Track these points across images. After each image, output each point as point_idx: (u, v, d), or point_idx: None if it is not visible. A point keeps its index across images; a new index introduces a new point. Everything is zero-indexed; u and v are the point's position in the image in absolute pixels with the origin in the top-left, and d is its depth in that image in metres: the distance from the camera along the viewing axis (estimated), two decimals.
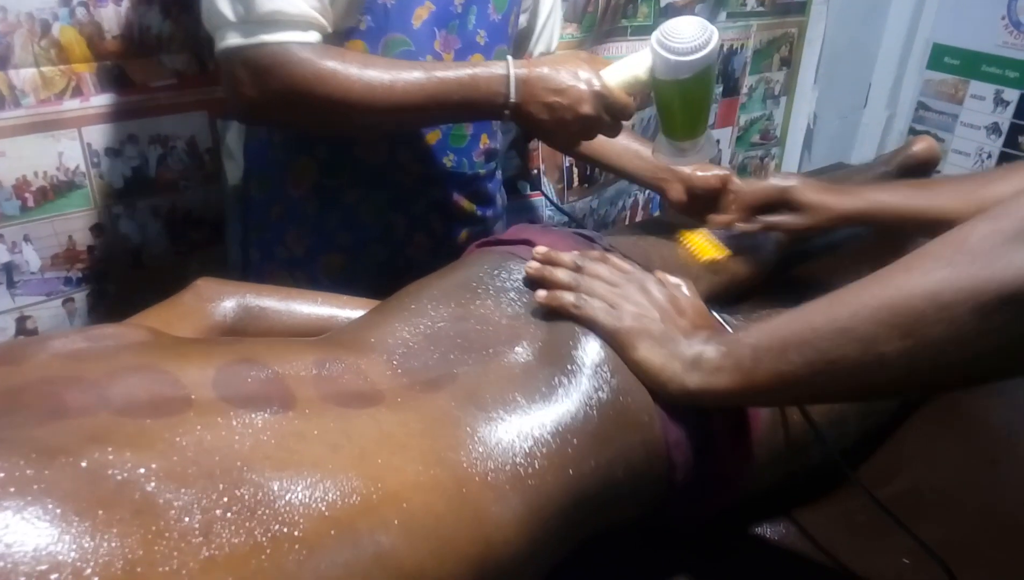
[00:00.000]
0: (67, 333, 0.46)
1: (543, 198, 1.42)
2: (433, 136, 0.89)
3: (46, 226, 0.98)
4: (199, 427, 0.38)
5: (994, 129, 2.00)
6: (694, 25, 0.69)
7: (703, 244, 0.92)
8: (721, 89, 1.75)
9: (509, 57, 0.76)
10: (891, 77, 2.14)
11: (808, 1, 1.81)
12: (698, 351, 0.52)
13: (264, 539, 0.34)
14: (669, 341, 0.54)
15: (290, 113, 0.75)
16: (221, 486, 0.35)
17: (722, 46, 1.68)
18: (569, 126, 0.76)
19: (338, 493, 0.38)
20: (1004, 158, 1.95)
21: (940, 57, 2.06)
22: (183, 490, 0.34)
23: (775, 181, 0.87)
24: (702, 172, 0.93)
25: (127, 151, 1.01)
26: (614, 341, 0.54)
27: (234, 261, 1.02)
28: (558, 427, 0.49)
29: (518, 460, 0.46)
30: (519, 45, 0.99)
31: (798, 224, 0.85)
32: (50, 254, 1.00)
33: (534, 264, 0.60)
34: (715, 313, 0.62)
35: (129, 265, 1.06)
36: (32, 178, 0.95)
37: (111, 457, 0.34)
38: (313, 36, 0.72)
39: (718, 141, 1.83)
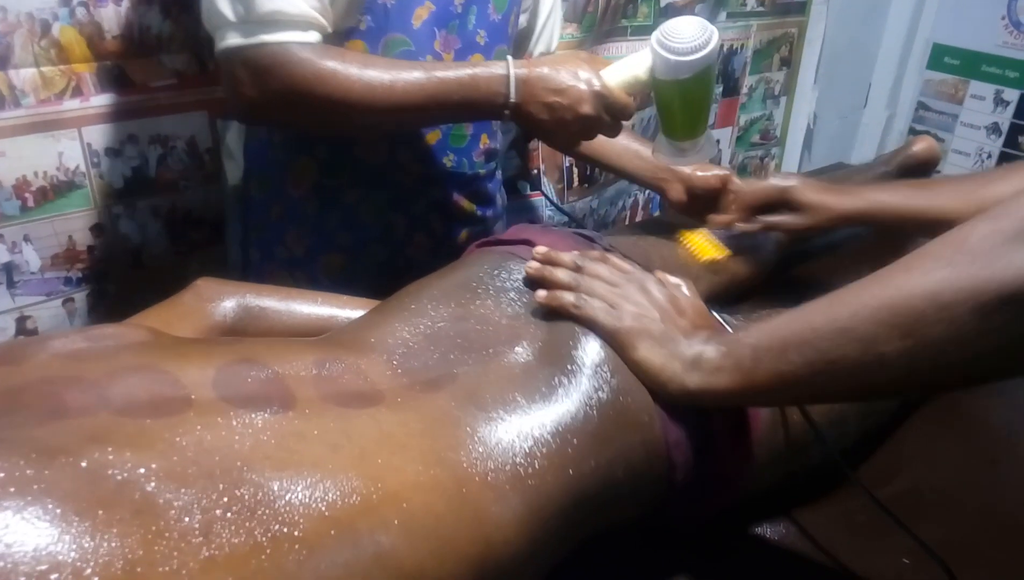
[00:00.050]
0: (67, 333, 0.46)
1: (543, 198, 1.42)
2: (433, 136, 0.89)
3: (46, 226, 0.98)
4: (199, 427, 0.38)
5: (994, 129, 2.00)
6: (694, 25, 0.69)
7: (703, 244, 0.92)
8: (721, 89, 1.75)
9: (509, 57, 0.76)
10: (891, 77, 2.14)
11: (808, 1, 1.81)
12: (698, 351, 0.52)
13: (264, 539, 0.34)
14: (669, 341, 0.54)
15: (290, 113, 0.75)
16: (221, 486, 0.35)
17: (722, 46, 1.68)
18: (569, 126, 0.76)
19: (338, 493, 0.38)
20: (1004, 158, 1.95)
21: (940, 57, 2.06)
22: (183, 490, 0.34)
23: (775, 181, 0.87)
24: (702, 172, 0.93)
25: (127, 151, 1.01)
26: (614, 341, 0.54)
27: (234, 261, 1.02)
28: (558, 427, 0.49)
29: (518, 460, 0.46)
30: (519, 45, 0.99)
31: (798, 224, 0.85)
32: (50, 254, 1.00)
33: (534, 264, 0.60)
34: (715, 313, 0.62)
35: (129, 265, 1.06)
36: (32, 178, 0.95)
37: (111, 457, 0.34)
38: (313, 36, 0.72)
39: (718, 141, 1.83)
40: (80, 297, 1.04)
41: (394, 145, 0.87)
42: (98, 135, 0.98)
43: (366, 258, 0.92)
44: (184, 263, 1.10)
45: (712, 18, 1.61)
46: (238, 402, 0.41)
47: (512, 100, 0.74)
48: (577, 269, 0.59)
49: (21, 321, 1.00)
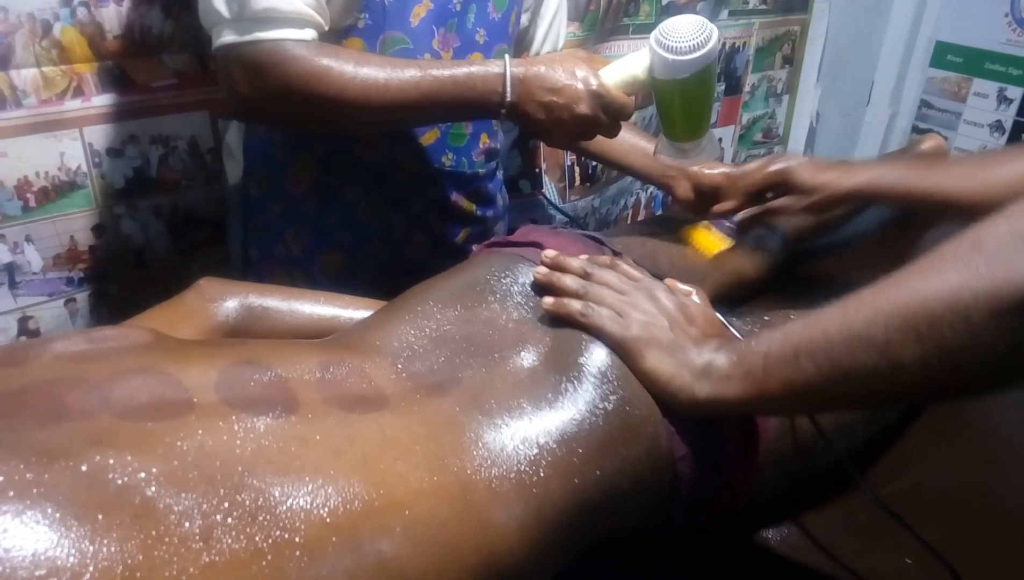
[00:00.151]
0: (69, 334, 0.46)
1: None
2: (432, 135, 0.88)
3: (48, 226, 0.98)
4: (200, 431, 0.38)
5: (997, 127, 1.99)
6: (693, 24, 0.69)
7: (708, 239, 0.92)
8: (723, 87, 1.75)
9: (507, 56, 0.76)
10: (894, 75, 2.13)
11: None
12: (708, 360, 0.51)
13: (265, 545, 0.34)
14: (678, 350, 0.53)
15: (285, 111, 0.75)
16: (222, 491, 0.35)
17: (724, 44, 1.68)
18: (566, 126, 0.75)
19: (340, 499, 0.38)
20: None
21: (943, 55, 2.05)
22: (184, 495, 0.34)
23: (773, 164, 0.86)
24: (709, 170, 0.93)
25: (128, 151, 1.01)
26: (622, 350, 0.54)
27: (235, 260, 1.02)
28: (564, 435, 0.49)
29: (523, 467, 0.46)
30: (520, 44, 0.99)
31: (799, 205, 0.84)
32: (52, 254, 1.00)
33: (542, 269, 0.59)
34: (725, 319, 0.61)
35: (131, 265, 1.06)
36: (34, 178, 0.95)
37: (111, 461, 0.34)
38: (309, 33, 0.72)
39: (720, 140, 1.82)
40: (82, 297, 1.04)
41: (392, 144, 0.87)
42: (99, 135, 0.98)
43: (365, 257, 0.92)
44: (186, 263, 1.10)
45: (714, 16, 1.60)
46: (240, 405, 0.40)
47: (508, 99, 0.74)
48: (585, 275, 0.59)
49: (23, 321, 1.00)
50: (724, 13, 1.64)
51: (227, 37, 0.70)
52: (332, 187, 0.89)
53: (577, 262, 0.60)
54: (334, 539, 0.36)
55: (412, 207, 0.92)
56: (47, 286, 1.01)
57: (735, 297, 0.91)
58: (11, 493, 0.31)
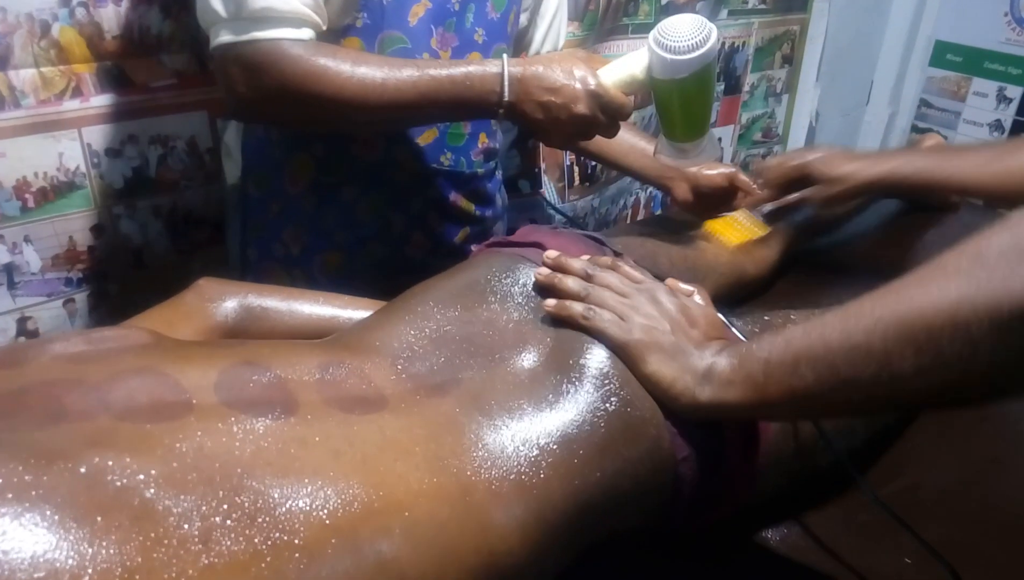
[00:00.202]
0: (68, 335, 0.46)
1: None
2: (430, 134, 0.88)
3: (47, 227, 0.98)
4: (200, 432, 0.38)
5: (997, 126, 2.00)
6: (692, 23, 0.69)
7: (733, 229, 0.94)
8: (723, 87, 1.75)
9: (505, 55, 0.76)
10: (893, 74, 2.13)
11: None
12: (710, 363, 0.52)
13: (264, 547, 0.34)
14: (680, 354, 0.53)
15: (283, 110, 0.75)
16: (221, 493, 0.35)
17: (723, 44, 1.68)
18: (564, 125, 0.75)
19: (339, 500, 0.37)
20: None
21: (942, 54, 2.06)
22: (182, 496, 0.34)
23: (800, 156, 0.91)
24: (708, 170, 0.93)
25: (127, 151, 1.01)
26: (623, 354, 0.54)
27: (234, 260, 1.02)
28: (564, 437, 0.48)
29: (523, 469, 0.46)
30: (519, 44, 0.99)
31: (825, 195, 0.89)
32: (51, 255, 1.00)
33: (544, 270, 0.59)
34: (727, 319, 0.61)
35: (130, 265, 1.06)
36: (32, 179, 0.95)
37: (110, 462, 0.34)
38: (306, 33, 0.72)
39: (720, 140, 1.82)
40: (81, 298, 1.04)
41: (391, 143, 0.87)
42: (98, 135, 0.98)
43: (364, 256, 0.92)
44: (185, 263, 1.10)
45: (713, 16, 1.60)
46: (240, 407, 0.40)
47: (506, 99, 0.74)
48: (587, 277, 0.59)
49: (22, 322, 1.00)
50: (723, 12, 1.64)
51: (224, 37, 0.70)
52: (330, 187, 0.89)
53: (579, 263, 0.60)
54: (333, 541, 0.36)
55: (411, 207, 0.92)
56: (46, 286, 1.01)
57: (735, 297, 0.91)
58: (10, 495, 0.31)
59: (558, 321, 0.56)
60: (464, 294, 0.58)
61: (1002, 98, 1.96)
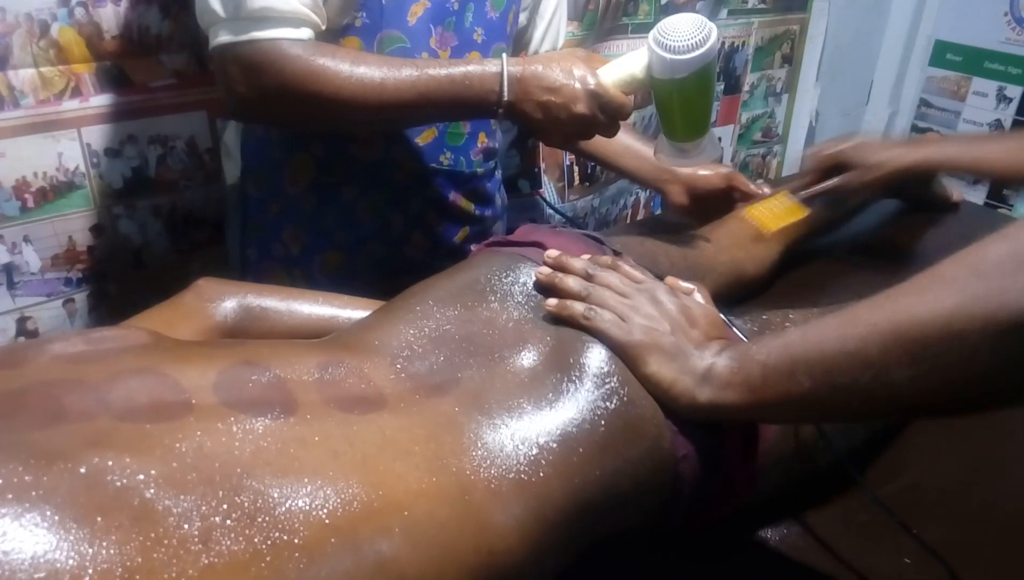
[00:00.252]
0: (67, 335, 0.46)
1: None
2: (430, 134, 0.88)
3: (46, 227, 0.98)
4: (199, 432, 0.38)
5: (997, 126, 1.99)
6: (691, 22, 0.68)
7: (774, 212, 0.98)
8: (722, 87, 1.75)
9: (504, 55, 0.76)
10: (893, 74, 2.13)
11: None
12: (709, 364, 0.52)
13: (264, 547, 0.34)
14: (680, 355, 0.53)
15: (282, 110, 0.75)
16: (221, 493, 0.35)
17: (723, 43, 1.68)
18: (563, 125, 0.75)
19: (339, 500, 0.37)
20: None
21: (942, 54, 2.05)
22: (182, 496, 0.34)
23: (837, 143, 0.99)
24: (704, 172, 0.93)
25: (127, 151, 1.01)
26: (624, 355, 0.54)
27: (233, 260, 1.02)
28: (564, 435, 0.48)
29: (522, 468, 0.46)
30: (519, 43, 0.99)
31: (863, 180, 0.96)
32: (50, 255, 1.00)
33: (545, 270, 0.59)
34: (728, 319, 0.61)
35: (129, 265, 1.06)
36: (32, 179, 0.95)
37: (110, 462, 0.34)
38: (305, 33, 0.72)
39: (720, 140, 1.82)
40: (80, 298, 1.04)
41: (390, 143, 0.87)
42: (97, 135, 0.98)
43: (363, 256, 0.92)
44: (185, 263, 1.10)
45: (713, 16, 1.60)
46: (239, 406, 0.40)
47: (506, 98, 0.74)
48: (588, 277, 0.59)
49: (21, 322, 1.00)
50: (723, 12, 1.64)
51: (224, 37, 0.70)
52: (330, 186, 0.89)
53: (579, 263, 0.60)
54: (333, 540, 0.36)
55: (410, 206, 0.92)
56: (45, 286, 1.01)
57: (735, 296, 0.91)
58: (9, 495, 0.31)
59: (558, 320, 0.56)
60: (464, 293, 0.58)
61: (1002, 98, 1.96)
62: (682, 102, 0.74)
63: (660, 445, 0.52)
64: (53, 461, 0.33)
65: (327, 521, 0.36)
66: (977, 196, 1.93)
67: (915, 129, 2.17)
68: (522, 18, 0.97)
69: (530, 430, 0.48)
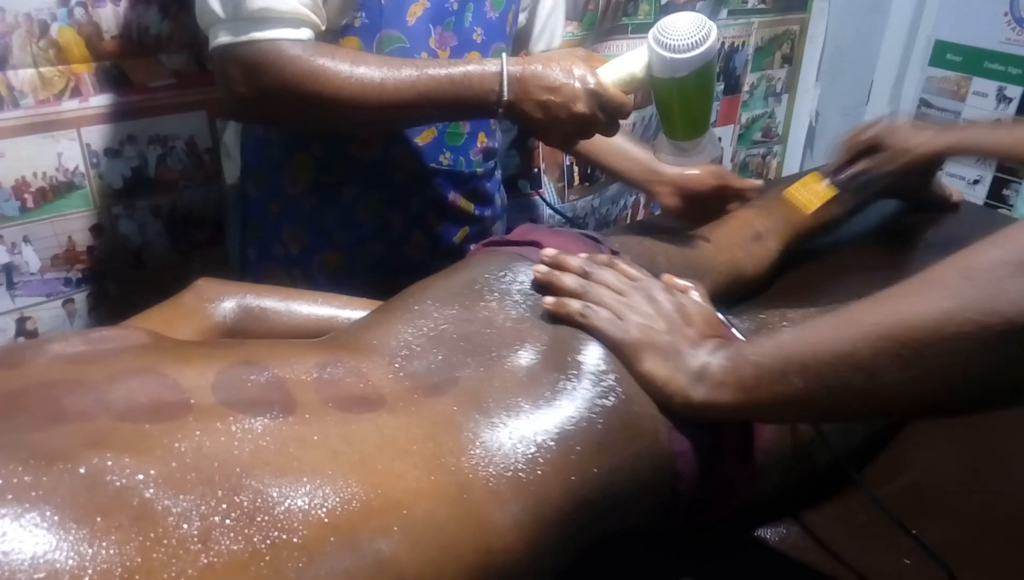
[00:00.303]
0: (66, 336, 0.46)
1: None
2: (429, 134, 0.88)
3: (46, 227, 0.98)
4: (198, 432, 0.38)
5: None
6: (691, 21, 0.69)
7: (815, 192, 1.03)
8: (722, 87, 1.75)
9: (504, 55, 0.76)
10: (893, 74, 2.13)
11: None
12: (703, 363, 0.52)
13: (263, 546, 0.34)
14: (675, 353, 0.53)
15: (282, 110, 0.75)
16: (220, 492, 0.35)
17: (723, 43, 1.68)
18: (563, 125, 0.75)
19: (338, 499, 0.37)
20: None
21: (942, 54, 2.05)
22: (182, 496, 0.34)
23: (870, 128, 1.03)
24: (693, 172, 0.92)
25: (126, 151, 1.01)
26: (620, 353, 0.54)
27: (233, 260, 1.02)
28: (561, 433, 0.49)
29: (520, 466, 0.46)
30: (518, 43, 0.99)
31: (895, 163, 1.01)
32: (50, 255, 1.00)
33: (542, 268, 0.60)
34: (724, 317, 0.61)
35: (129, 265, 1.06)
36: (31, 179, 0.95)
37: (110, 463, 0.34)
38: (305, 33, 0.72)
39: (720, 140, 1.82)
40: (80, 298, 1.04)
41: (389, 143, 0.87)
42: (97, 135, 0.98)
43: (363, 256, 0.92)
44: (184, 263, 1.10)
45: (713, 16, 1.60)
46: (238, 406, 0.40)
47: (505, 98, 0.74)
48: (585, 274, 0.59)
49: (21, 322, 1.00)
50: (723, 12, 1.64)
51: (223, 37, 0.70)
52: (330, 186, 0.89)
53: (576, 261, 0.60)
54: (332, 539, 0.36)
55: (410, 206, 0.92)
56: (45, 287, 1.01)
57: (734, 296, 0.91)
58: (9, 496, 0.31)
59: (556, 319, 0.56)
60: (462, 293, 0.58)
61: (1002, 98, 1.96)
62: (682, 101, 0.74)
63: (658, 442, 0.53)
64: (53, 461, 0.33)
65: (326, 520, 0.36)
66: (977, 196, 1.93)
67: None
68: (521, 18, 0.97)
69: (528, 429, 0.48)
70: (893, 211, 1.22)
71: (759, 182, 0.98)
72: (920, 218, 1.20)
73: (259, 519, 0.35)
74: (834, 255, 1.09)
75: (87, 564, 0.30)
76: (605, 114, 0.75)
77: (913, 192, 1.20)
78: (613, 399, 0.52)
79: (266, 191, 0.92)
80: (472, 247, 0.75)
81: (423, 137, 0.88)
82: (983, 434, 0.74)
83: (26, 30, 0.88)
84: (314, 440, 0.40)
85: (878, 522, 0.60)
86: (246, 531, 0.34)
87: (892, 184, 1.15)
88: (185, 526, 0.33)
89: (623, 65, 0.75)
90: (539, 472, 0.46)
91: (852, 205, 1.10)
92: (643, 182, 0.97)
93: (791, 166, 2.01)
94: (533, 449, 0.47)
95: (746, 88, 1.81)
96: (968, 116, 2.05)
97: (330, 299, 0.68)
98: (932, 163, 1.06)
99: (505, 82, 0.73)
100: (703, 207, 0.94)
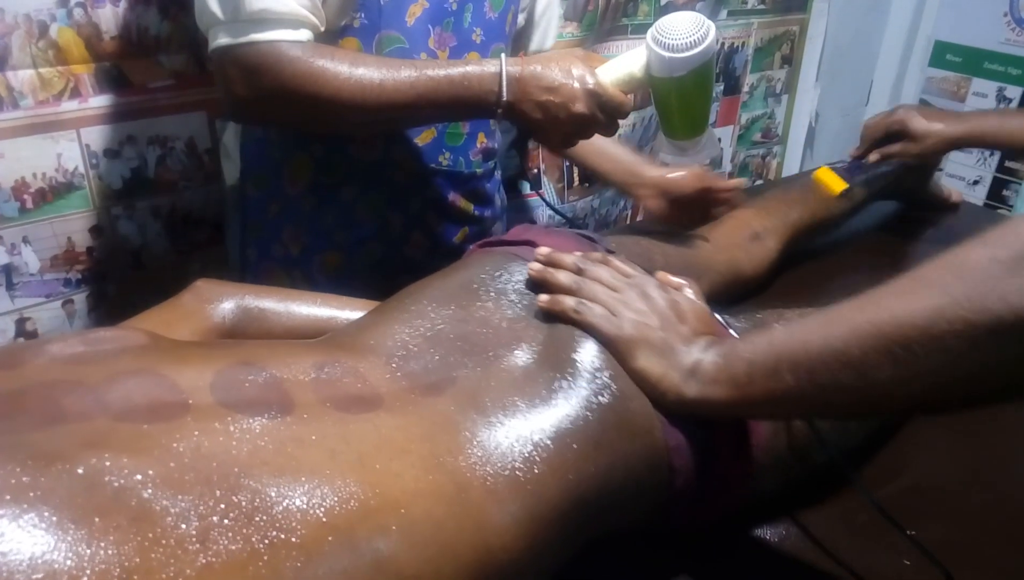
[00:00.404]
0: (65, 337, 0.46)
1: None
2: (429, 134, 0.88)
3: (45, 227, 0.98)
4: (196, 432, 0.38)
5: None
6: (690, 21, 0.69)
7: (836, 178, 1.05)
8: (722, 87, 1.75)
9: (503, 55, 0.76)
10: (893, 75, 2.13)
11: None
12: (696, 360, 0.52)
13: (261, 546, 0.34)
14: (668, 350, 0.53)
15: (281, 112, 0.75)
16: (218, 492, 0.35)
17: (722, 44, 1.68)
18: (563, 125, 0.75)
19: (336, 499, 0.37)
20: (1007, 156, 1.94)
21: (942, 54, 2.05)
22: (180, 497, 0.34)
23: (889, 115, 1.07)
24: (675, 175, 0.91)
25: (126, 152, 1.01)
26: (613, 349, 0.54)
27: (233, 261, 1.02)
28: (558, 432, 0.49)
29: (517, 465, 0.46)
30: (518, 44, 0.99)
31: (911, 151, 1.05)
32: (49, 256, 1.00)
33: (536, 265, 0.60)
34: (717, 315, 0.61)
35: (129, 266, 1.06)
36: (31, 179, 0.95)
37: (108, 463, 0.34)
38: (304, 34, 0.72)
39: (720, 140, 1.82)
40: (80, 298, 1.04)
41: (389, 143, 0.87)
42: (97, 136, 0.98)
43: (363, 256, 0.92)
44: (184, 264, 1.10)
45: (713, 16, 1.60)
46: (236, 407, 0.40)
47: (504, 98, 0.74)
48: (579, 271, 0.59)
49: (20, 323, 1.00)
50: (723, 13, 1.65)
51: (223, 39, 0.70)
52: (329, 187, 0.89)
53: (570, 258, 0.60)
54: (330, 539, 0.36)
55: (409, 207, 0.92)
56: (45, 287, 1.01)
57: (732, 295, 0.91)
58: (8, 497, 0.31)
59: (551, 317, 0.57)
60: (458, 293, 0.59)
61: (1002, 98, 1.96)
62: (681, 100, 0.74)
63: (653, 438, 0.53)
64: (51, 462, 0.33)
65: (324, 520, 0.37)
66: (977, 197, 1.93)
67: None
68: (520, 18, 0.97)
69: (525, 427, 0.48)
70: (893, 211, 1.22)
71: (743, 181, 0.98)
72: (920, 218, 1.20)
73: (257, 519, 0.35)
74: (833, 255, 1.09)
75: (85, 564, 0.30)
76: (604, 114, 0.76)
77: (913, 192, 1.20)
78: (608, 397, 0.52)
79: (266, 192, 0.92)
80: (468, 248, 0.75)
81: (423, 137, 0.88)
82: (983, 434, 0.74)
83: (25, 31, 0.88)
84: (312, 440, 0.40)
85: (878, 522, 0.60)
86: (244, 531, 0.34)
87: (892, 184, 1.14)
88: (183, 526, 0.33)
89: (622, 65, 0.75)
90: (536, 471, 0.46)
91: (858, 201, 1.11)
92: (625, 184, 0.96)
93: (791, 167, 2.01)
94: (530, 448, 0.47)
95: (746, 89, 1.81)
96: None
97: (329, 300, 0.68)
98: (948, 150, 1.09)
99: (504, 82, 0.73)
100: (687, 210, 0.93)
